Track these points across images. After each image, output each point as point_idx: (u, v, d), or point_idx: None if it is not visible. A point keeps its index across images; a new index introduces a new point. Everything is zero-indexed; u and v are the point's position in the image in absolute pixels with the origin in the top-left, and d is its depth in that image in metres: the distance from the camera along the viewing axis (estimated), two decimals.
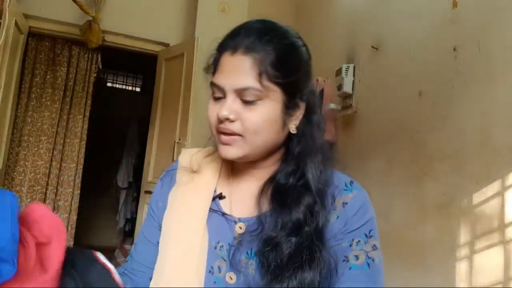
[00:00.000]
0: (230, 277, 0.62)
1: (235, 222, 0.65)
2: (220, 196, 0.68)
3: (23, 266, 0.42)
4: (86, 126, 3.25)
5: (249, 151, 0.62)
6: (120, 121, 5.11)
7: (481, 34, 1.41)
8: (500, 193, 1.28)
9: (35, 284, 0.41)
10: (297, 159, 0.65)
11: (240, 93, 0.60)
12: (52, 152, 3.09)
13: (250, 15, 2.74)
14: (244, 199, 0.67)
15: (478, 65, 1.41)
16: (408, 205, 1.68)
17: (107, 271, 0.48)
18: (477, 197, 1.36)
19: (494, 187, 1.30)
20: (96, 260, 0.49)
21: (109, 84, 5.72)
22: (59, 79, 3.15)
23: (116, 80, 5.83)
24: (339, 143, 2.27)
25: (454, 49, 1.52)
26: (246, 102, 0.60)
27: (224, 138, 0.62)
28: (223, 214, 0.67)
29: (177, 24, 3.11)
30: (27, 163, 3.00)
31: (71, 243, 3.14)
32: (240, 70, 0.59)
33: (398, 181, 1.76)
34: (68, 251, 0.45)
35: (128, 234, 4.69)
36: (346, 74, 2.17)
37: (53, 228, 0.46)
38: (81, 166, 3.22)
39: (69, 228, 3.14)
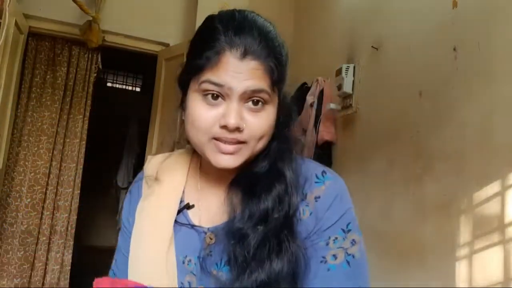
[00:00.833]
0: None
1: (205, 233, 0.62)
2: (188, 206, 0.64)
3: None
4: (86, 126, 3.24)
5: (249, 157, 0.59)
6: (120, 121, 5.12)
7: (481, 34, 1.41)
8: (500, 193, 1.28)
9: None
10: (269, 148, 0.62)
11: (248, 96, 0.56)
12: (52, 152, 3.09)
13: None
14: (214, 205, 0.64)
15: (478, 65, 1.41)
16: (408, 205, 1.68)
17: None
18: (477, 197, 1.36)
19: (494, 187, 1.30)
20: None
21: (109, 84, 5.73)
22: (59, 79, 3.14)
23: (116, 80, 5.84)
24: (339, 143, 2.27)
25: (454, 49, 1.52)
26: (253, 108, 0.56)
27: (225, 147, 0.56)
28: (192, 226, 0.63)
29: (177, 24, 3.11)
30: (27, 163, 3.00)
31: (71, 243, 3.13)
32: (251, 74, 0.55)
33: (398, 181, 1.76)
34: None
35: None
36: (346, 74, 2.17)
37: None
38: (81, 166, 3.22)
39: (69, 228, 3.13)
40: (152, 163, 0.71)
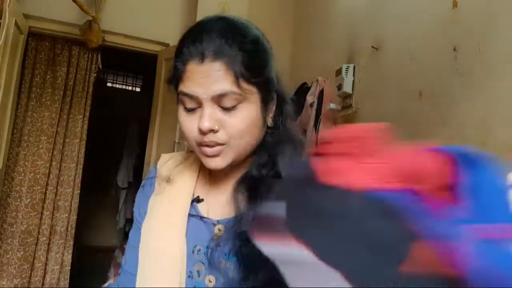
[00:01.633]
0: (209, 280, 0.61)
1: (214, 225, 0.64)
2: (198, 200, 0.67)
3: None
4: (86, 126, 3.25)
5: (235, 156, 0.61)
6: (120, 121, 5.11)
7: (481, 34, 1.41)
8: None
9: None
10: (269, 150, 0.64)
11: (218, 100, 0.57)
12: (52, 152, 3.09)
13: (250, 15, 2.74)
14: (222, 200, 0.66)
15: (478, 65, 1.41)
16: None
17: None
18: None
19: None
20: None
21: (109, 84, 5.72)
22: (59, 79, 3.15)
23: (116, 80, 5.83)
24: None
25: (454, 49, 1.52)
26: (226, 109, 0.57)
27: (208, 150, 0.59)
28: (201, 217, 0.66)
29: (177, 24, 3.11)
30: (27, 163, 3.00)
31: (71, 243, 3.13)
32: (215, 77, 0.56)
33: None
34: None
35: (128, 234, 4.68)
36: (346, 74, 2.17)
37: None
38: (81, 166, 3.22)
39: (69, 228, 3.13)
40: (168, 165, 0.73)
